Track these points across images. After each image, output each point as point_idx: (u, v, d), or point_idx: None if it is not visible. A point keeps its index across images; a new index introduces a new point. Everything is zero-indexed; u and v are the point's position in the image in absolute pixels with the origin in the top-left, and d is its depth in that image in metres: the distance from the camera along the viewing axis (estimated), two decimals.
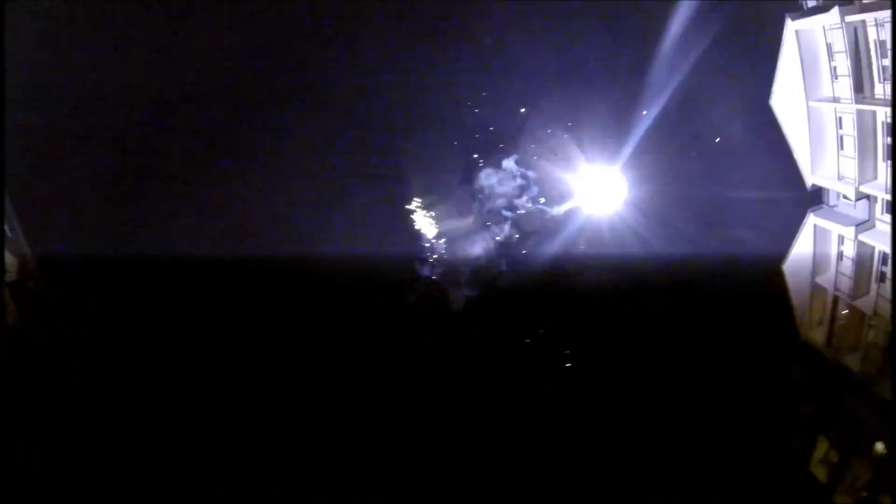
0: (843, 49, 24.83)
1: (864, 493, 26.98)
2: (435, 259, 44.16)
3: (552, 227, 42.92)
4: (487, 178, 43.12)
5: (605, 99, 40.75)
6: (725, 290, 35.35)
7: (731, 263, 34.04)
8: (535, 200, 42.98)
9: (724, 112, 35.00)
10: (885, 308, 26.09)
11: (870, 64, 24.38)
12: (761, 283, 32.03)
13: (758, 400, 32.31)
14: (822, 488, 28.51)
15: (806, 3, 26.37)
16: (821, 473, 28.74)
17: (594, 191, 42.21)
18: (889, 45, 23.14)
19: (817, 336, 29.13)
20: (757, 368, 32.85)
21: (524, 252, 43.91)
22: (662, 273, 38.12)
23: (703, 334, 36.20)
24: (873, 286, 26.64)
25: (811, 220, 28.75)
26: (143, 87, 38.76)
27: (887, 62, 23.59)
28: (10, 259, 35.42)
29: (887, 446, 26.47)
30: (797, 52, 26.29)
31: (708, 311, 36.41)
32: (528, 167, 42.88)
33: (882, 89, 24.12)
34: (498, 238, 43.42)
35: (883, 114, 24.20)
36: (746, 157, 34.07)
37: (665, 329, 37.61)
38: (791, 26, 26.01)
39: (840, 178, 27.10)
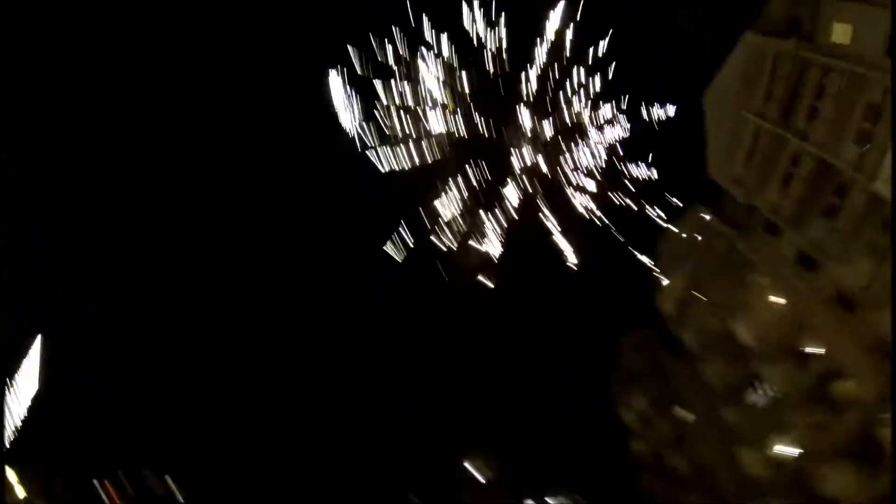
0: (786, 76, 26.60)
1: (660, 448, 31.24)
2: None
3: None
4: None
5: None
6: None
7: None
8: None
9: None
10: (730, 299, 29.31)
11: (802, 99, 26.31)
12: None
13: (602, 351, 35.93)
14: (626, 432, 32.64)
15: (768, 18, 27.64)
16: (630, 419, 32.94)
17: None
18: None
19: (670, 308, 32.34)
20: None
21: None
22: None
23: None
24: (728, 282, 29.71)
25: (698, 209, 31.32)
26: None
27: (818, 104, 25.60)
28: None
29: None
30: (744, 62, 27.79)
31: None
32: None
33: (803, 125, 26.24)
34: None
35: (795, 146, 26.44)
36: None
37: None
38: (747, 38, 27.38)
39: (737, 182, 29.50)
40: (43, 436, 32.48)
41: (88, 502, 34.63)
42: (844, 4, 24.04)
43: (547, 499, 39.23)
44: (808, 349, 26.07)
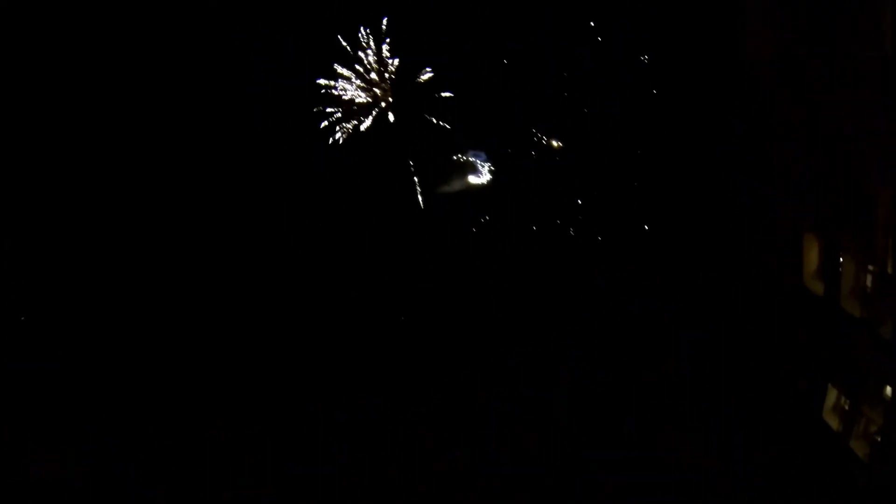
0: None
1: (879, 438, 26.95)
2: None
3: None
4: None
5: None
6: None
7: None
8: None
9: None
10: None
11: None
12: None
13: (761, 350, 32.59)
14: (836, 436, 28.46)
15: None
16: (834, 422, 28.81)
17: None
18: None
19: (816, 284, 29.43)
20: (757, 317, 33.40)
21: None
22: None
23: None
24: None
25: None
26: None
27: None
28: None
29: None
30: None
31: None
32: None
33: None
34: None
35: None
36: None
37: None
38: None
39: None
40: None
41: None
42: None
43: None
44: None
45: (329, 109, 43.91)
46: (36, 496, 33.32)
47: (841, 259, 27.20)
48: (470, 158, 45.03)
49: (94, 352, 39.80)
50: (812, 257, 29.16)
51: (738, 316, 35.61)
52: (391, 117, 44.74)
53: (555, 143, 42.03)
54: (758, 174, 33.63)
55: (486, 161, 45.13)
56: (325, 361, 41.02)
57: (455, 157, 45.00)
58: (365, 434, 37.76)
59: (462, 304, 43.39)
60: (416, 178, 44.81)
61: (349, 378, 40.17)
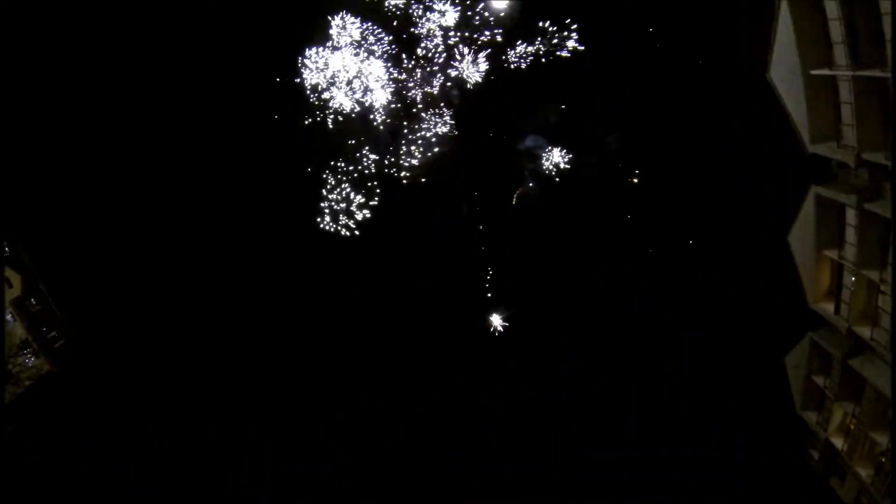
0: (837, 16, 26.29)
1: (883, 459, 26.80)
2: None
3: None
4: None
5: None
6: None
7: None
8: None
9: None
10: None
11: (864, 30, 25.72)
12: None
13: (770, 373, 32.53)
14: (841, 456, 28.28)
15: None
16: (839, 442, 28.64)
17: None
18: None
19: (826, 306, 29.44)
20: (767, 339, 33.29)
21: None
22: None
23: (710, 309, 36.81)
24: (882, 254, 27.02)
25: (813, 190, 29.71)
26: None
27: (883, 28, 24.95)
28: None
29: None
30: (791, 21, 27.77)
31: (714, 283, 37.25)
32: None
33: (877, 55, 25.43)
34: None
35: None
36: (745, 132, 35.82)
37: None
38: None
39: (840, 146, 28.20)
40: None
41: None
42: None
43: None
44: None
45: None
46: (36, 496, 33.34)
47: (853, 279, 26.94)
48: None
49: (94, 352, 39.73)
50: (824, 277, 28.90)
51: (738, 316, 35.76)
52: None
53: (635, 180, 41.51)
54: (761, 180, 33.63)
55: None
56: (325, 361, 40.95)
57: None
58: (365, 434, 37.79)
59: (462, 305, 43.25)
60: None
61: (349, 378, 40.08)
